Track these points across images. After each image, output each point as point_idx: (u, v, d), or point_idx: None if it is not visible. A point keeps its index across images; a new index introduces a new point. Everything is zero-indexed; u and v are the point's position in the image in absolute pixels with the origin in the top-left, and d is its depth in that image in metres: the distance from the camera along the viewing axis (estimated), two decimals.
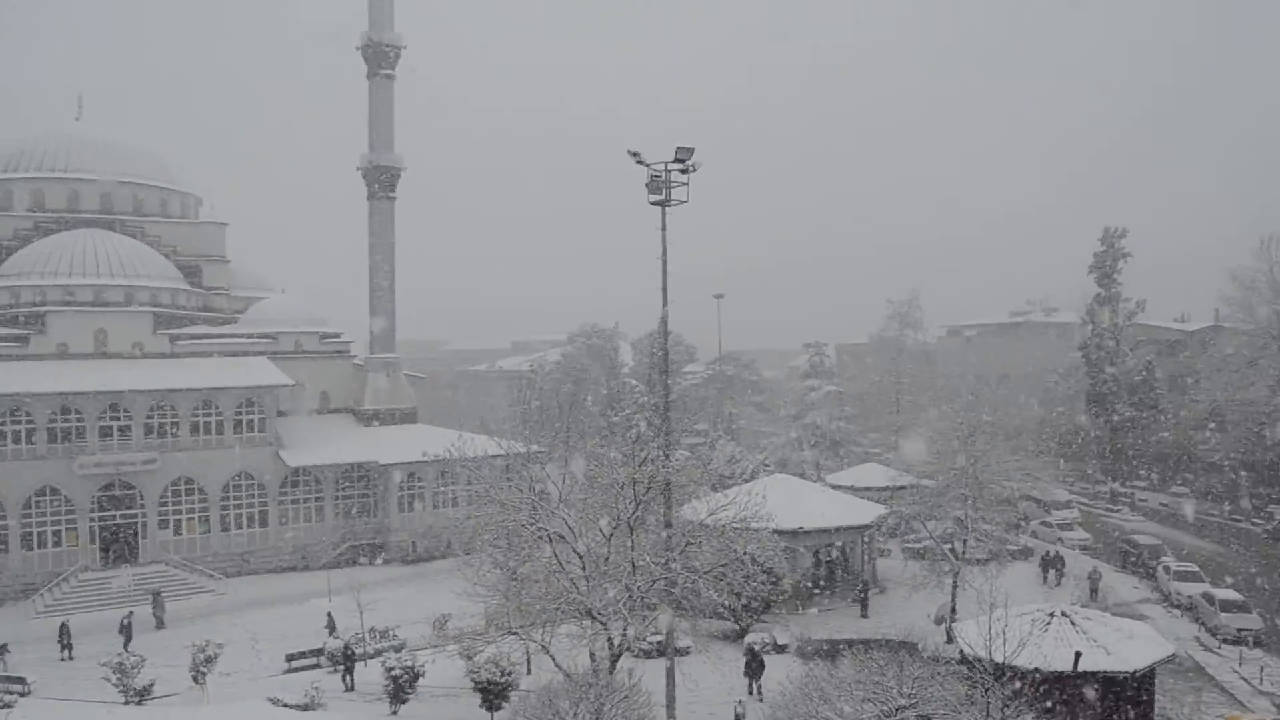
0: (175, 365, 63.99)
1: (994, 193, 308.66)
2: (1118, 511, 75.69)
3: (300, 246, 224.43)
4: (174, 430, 60.30)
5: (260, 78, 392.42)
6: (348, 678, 37.35)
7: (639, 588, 27.66)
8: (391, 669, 33.13)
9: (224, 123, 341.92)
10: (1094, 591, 47.07)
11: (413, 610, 47.00)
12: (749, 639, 38.80)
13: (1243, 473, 75.77)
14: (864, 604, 45.46)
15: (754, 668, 35.02)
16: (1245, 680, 37.21)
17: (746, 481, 50.08)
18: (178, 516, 59.96)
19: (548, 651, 28.43)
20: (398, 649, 39.23)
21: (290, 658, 41.08)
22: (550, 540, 28.07)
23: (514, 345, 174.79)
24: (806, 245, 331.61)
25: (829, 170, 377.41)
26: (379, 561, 62.81)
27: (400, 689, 33.09)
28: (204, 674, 35.52)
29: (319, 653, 40.88)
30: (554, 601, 27.41)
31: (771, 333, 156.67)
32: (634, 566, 27.92)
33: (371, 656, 39.87)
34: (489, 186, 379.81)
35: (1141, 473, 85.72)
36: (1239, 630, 41.47)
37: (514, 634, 28.93)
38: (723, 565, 29.30)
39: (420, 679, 33.77)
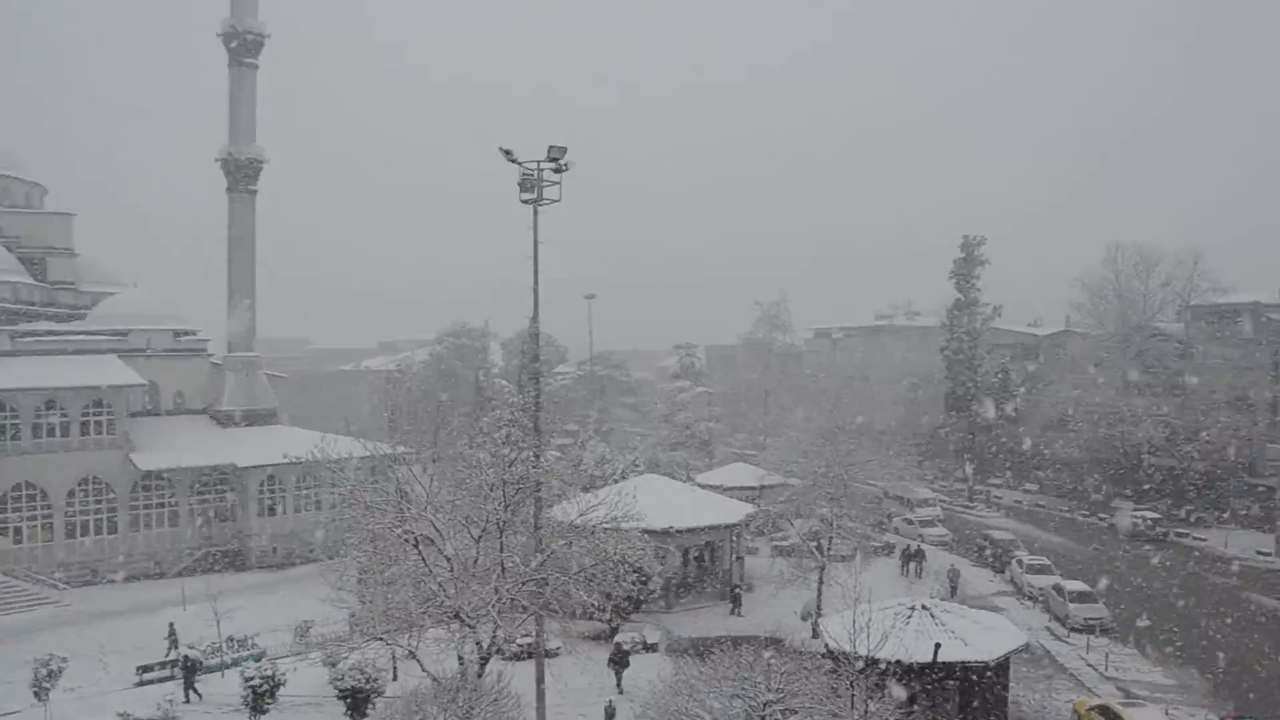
0: (16, 364, 60.47)
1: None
2: (975, 508, 78.45)
3: (157, 241, 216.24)
4: (14, 432, 57.07)
5: (120, 68, 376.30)
6: (189, 691, 35.86)
7: (508, 590, 27.31)
8: (250, 678, 31.92)
9: (77, 112, 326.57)
10: (954, 588, 48.57)
11: (274, 617, 45.55)
12: (619, 639, 38.83)
13: (1090, 470, 79.56)
14: (737, 602, 45.89)
15: (618, 660, 35.51)
16: (1092, 667, 39.09)
17: (617, 482, 50.08)
18: (18, 523, 56.71)
19: (414, 656, 27.81)
20: (257, 658, 37.91)
21: (141, 670, 39.27)
22: (417, 543, 27.48)
23: (381, 345, 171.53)
24: (682, 248, 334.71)
25: (709, 175, 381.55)
26: (251, 567, 60.69)
27: (259, 699, 31.89)
28: (47, 690, 33.60)
29: (173, 664, 39.20)
30: (421, 605, 26.83)
31: (643, 334, 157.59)
32: (503, 569, 27.55)
33: (229, 666, 38.44)
34: (360, 184, 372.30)
35: (998, 470, 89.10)
36: (1086, 619, 43.54)
37: (379, 639, 28.19)
38: (593, 566, 29.16)
39: (281, 688, 32.62)
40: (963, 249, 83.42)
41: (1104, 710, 31.08)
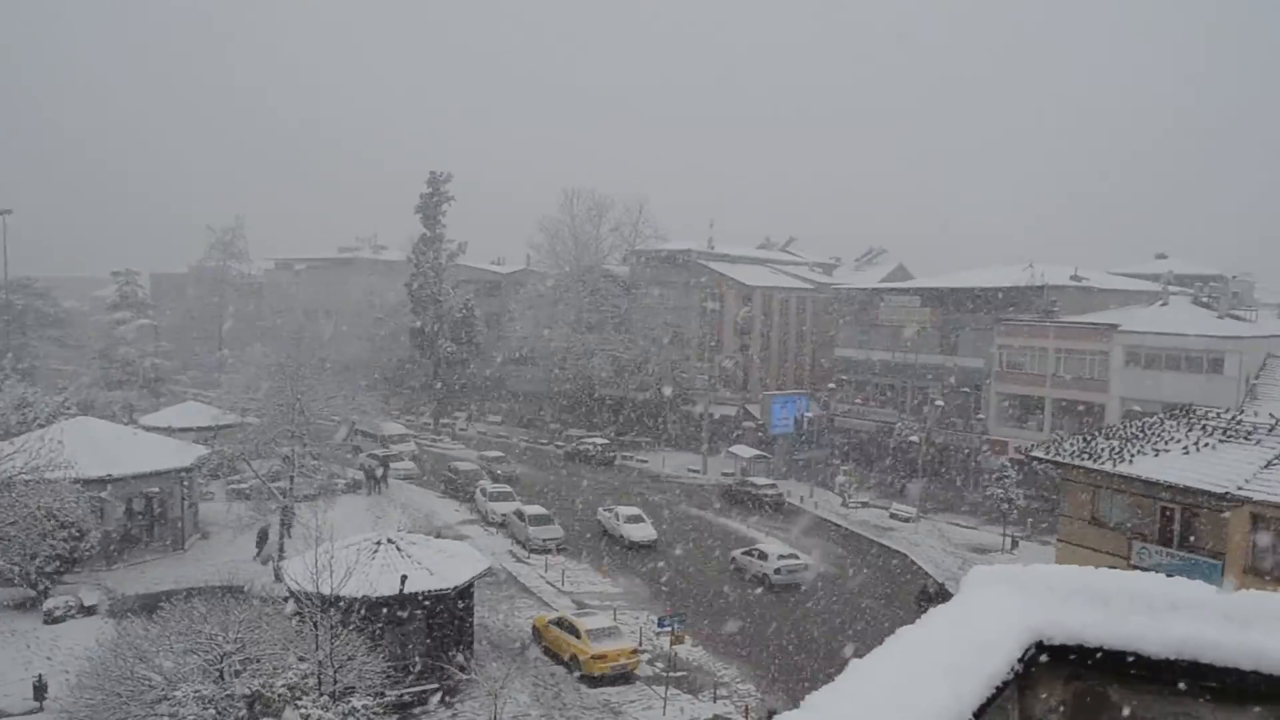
0: None
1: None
2: (441, 440, 79.79)
3: None
4: None
5: None
6: None
7: None
8: None
9: None
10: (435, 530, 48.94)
11: None
12: (49, 604, 34.34)
13: (549, 401, 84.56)
14: (263, 542, 42.39)
15: None
16: (551, 584, 41.74)
17: (42, 427, 43.97)
18: None
19: None
20: None
21: None
22: None
23: None
24: (126, 166, 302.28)
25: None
26: None
27: None
28: None
29: None
30: None
31: (74, 259, 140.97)
32: None
33: None
34: None
35: (463, 403, 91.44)
36: (544, 540, 46.38)
37: None
38: (10, 524, 25.17)
39: None
40: (429, 184, 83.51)
41: (560, 622, 33.64)
